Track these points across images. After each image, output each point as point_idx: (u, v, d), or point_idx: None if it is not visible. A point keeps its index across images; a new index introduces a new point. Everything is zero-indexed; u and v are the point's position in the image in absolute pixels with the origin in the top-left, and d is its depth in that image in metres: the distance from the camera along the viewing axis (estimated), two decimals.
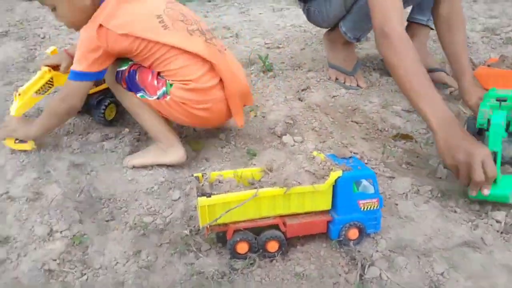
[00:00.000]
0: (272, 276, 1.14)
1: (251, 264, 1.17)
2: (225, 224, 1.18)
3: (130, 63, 1.49)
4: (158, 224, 1.35)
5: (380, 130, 1.80)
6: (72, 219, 1.36)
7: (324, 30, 2.21)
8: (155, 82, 1.45)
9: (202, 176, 1.22)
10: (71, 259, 1.24)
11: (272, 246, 1.18)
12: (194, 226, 1.33)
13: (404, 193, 1.44)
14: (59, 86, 1.69)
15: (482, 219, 1.32)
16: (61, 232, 1.32)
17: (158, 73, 1.46)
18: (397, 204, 1.39)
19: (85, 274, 1.20)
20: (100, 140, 1.73)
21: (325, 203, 1.21)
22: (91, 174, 1.55)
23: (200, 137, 1.78)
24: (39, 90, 1.61)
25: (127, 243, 1.29)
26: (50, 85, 1.66)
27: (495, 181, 1.22)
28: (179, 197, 1.45)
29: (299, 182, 1.15)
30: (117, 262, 1.23)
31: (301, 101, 2.00)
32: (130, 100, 1.53)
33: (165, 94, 1.44)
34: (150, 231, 1.33)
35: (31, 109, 1.71)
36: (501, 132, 1.26)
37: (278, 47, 2.60)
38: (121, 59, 1.51)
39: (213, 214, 1.13)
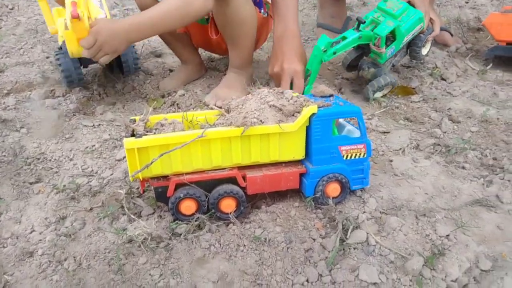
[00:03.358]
0: (224, 242, 0.86)
1: (198, 227, 0.90)
2: (166, 177, 0.91)
3: None
4: (93, 186, 1.08)
5: None
6: None
7: None
8: None
9: (139, 119, 0.95)
10: None
11: (227, 205, 0.91)
12: (137, 188, 1.06)
13: (400, 148, 1.17)
14: None
15: (497, 174, 1.06)
16: None
17: None
18: (391, 161, 1.12)
19: None
20: (43, 98, 1.47)
21: (297, 150, 0.93)
22: (20, 131, 1.28)
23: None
24: None
25: (51, 208, 1.02)
26: None
27: None
28: (124, 157, 1.18)
29: (261, 120, 0.88)
30: (33, 230, 0.97)
31: None
32: (251, 12, 1.38)
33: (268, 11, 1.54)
34: (82, 194, 1.06)
35: None
36: (319, 54, 1.30)
37: None
38: None
39: (145, 162, 0.86)
